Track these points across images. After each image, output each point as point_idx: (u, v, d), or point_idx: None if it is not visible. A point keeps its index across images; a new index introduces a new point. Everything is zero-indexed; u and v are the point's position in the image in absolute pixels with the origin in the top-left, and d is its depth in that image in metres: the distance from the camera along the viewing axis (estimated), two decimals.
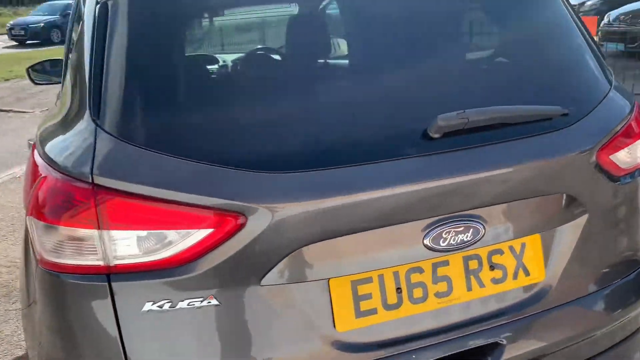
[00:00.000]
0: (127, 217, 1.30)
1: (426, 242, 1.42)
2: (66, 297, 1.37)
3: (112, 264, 1.32)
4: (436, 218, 1.42)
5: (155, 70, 1.42)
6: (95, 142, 1.33)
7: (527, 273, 1.57)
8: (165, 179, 1.30)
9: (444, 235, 1.42)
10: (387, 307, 1.45)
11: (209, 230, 1.30)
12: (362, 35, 1.59)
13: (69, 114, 1.53)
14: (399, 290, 1.45)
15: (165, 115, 1.38)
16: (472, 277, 1.52)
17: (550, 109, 1.52)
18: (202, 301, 1.33)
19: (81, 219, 1.30)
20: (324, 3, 1.59)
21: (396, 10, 1.60)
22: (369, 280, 1.43)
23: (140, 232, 1.31)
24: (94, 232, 1.31)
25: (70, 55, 1.86)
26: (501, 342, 1.54)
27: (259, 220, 1.30)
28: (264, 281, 1.35)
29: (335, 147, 1.38)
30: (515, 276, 1.56)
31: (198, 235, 1.30)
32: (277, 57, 1.52)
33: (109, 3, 1.45)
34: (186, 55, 1.48)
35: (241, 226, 1.30)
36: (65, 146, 1.41)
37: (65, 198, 1.31)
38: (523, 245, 1.56)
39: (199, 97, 1.43)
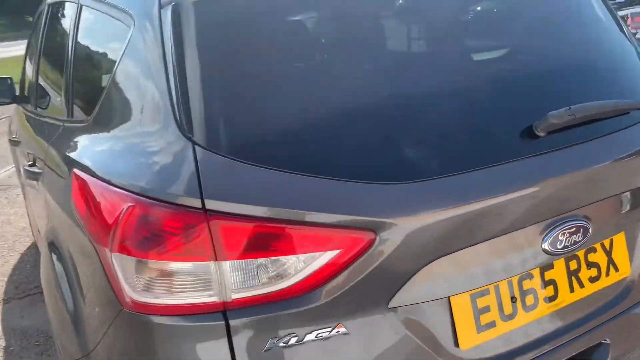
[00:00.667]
0: (245, 244, 1.14)
1: (545, 246, 1.36)
2: (170, 341, 1.18)
3: (229, 299, 1.15)
4: (552, 220, 1.37)
5: (261, 79, 1.27)
6: (196, 162, 1.16)
7: (616, 269, 1.55)
8: (283, 198, 1.15)
9: (559, 238, 1.37)
10: (504, 318, 1.37)
11: (336, 252, 1.17)
12: (468, 48, 1.52)
13: (131, 131, 1.34)
14: (513, 299, 1.38)
15: (277, 128, 1.23)
16: (573, 277, 1.47)
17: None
18: (330, 331, 1.19)
19: (193, 250, 1.13)
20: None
21: (499, 24, 1.58)
22: (486, 292, 1.35)
23: (260, 259, 1.15)
24: (208, 264, 1.13)
25: (88, 66, 1.66)
26: (605, 342, 1.51)
27: (389, 236, 1.18)
28: (391, 303, 1.23)
29: (454, 153, 1.28)
30: (607, 273, 1.53)
31: (324, 258, 1.16)
32: (389, 65, 1.41)
33: (182, 7, 1.29)
34: (289, 62, 1.33)
35: (370, 244, 1.17)
36: (150, 168, 1.22)
37: (171, 229, 1.13)
38: (612, 241, 1.54)
39: (315, 107, 1.28)
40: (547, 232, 1.36)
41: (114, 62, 1.49)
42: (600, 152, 1.44)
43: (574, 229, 1.39)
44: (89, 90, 1.77)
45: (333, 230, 1.16)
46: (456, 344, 1.31)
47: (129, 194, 1.19)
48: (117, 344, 1.27)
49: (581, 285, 1.48)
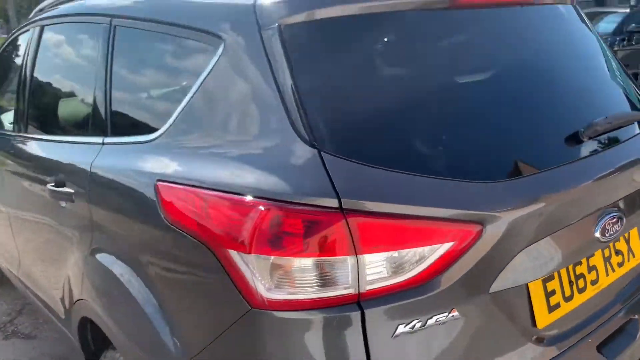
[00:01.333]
0: (378, 239, 1.25)
1: (597, 235, 1.58)
2: (306, 334, 1.26)
3: (363, 291, 1.25)
4: (601, 211, 1.59)
5: (374, 93, 1.40)
6: (325, 167, 1.26)
7: (633, 255, 1.81)
8: (406, 196, 1.28)
9: (607, 227, 1.60)
10: (566, 299, 1.57)
11: (451, 244, 1.31)
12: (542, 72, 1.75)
13: (241, 144, 1.40)
14: (571, 283, 1.59)
15: (399, 134, 1.37)
16: (607, 263, 1.71)
17: None
18: (447, 315, 1.32)
19: (332, 246, 1.23)
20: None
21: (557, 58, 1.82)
22: (552, 277, 1.54)
23: (390, 253, 1.27)
24: (346, 259, 1.24)
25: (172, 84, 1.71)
26: (634, 318, 1.76)
27: (493, 228, 1.34)
28: (491, 289, 1.39)
29: (536, 156, 1.49)
30: (628, 259, 1.79)
31: (442, 249, 1.30)
32: (493, 87, 1.62)
33: (285, 28, 1.39)
34: (399, 75, 1.47)
35: (478, 236, 1.33)
36: (279, 175, 1.30)
37: (310, 228, 1.22)
38: (629, 232, 1.80)
39: (432, 117, 1.44)
40: (598, 222, 1.58)
41: (192, 79, 1.55)
42: (630, 152, 1.70)
43: (616, 219, 1.62)
44: (148, 107, 1.80)
45: (449, 224, 1.30)
46: (534, 323, 1.49)
47: (262, 200, 1.27)
48: (239, 343, 1.32)
49: (612, 270, 1.72)
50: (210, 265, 1.34)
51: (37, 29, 2.55)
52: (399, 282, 1.28)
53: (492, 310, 1.41)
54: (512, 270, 1.42)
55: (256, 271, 1.26)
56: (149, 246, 1.57)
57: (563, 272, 1.57)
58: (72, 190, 1.92)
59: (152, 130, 1.66)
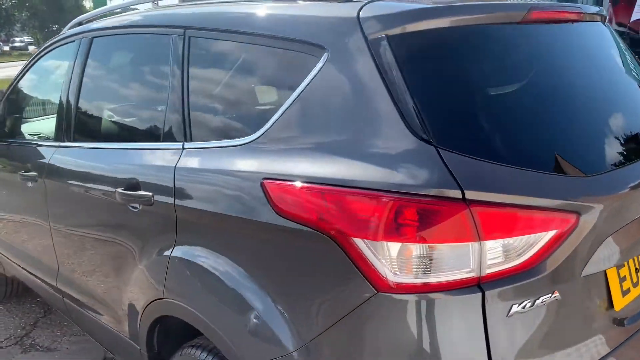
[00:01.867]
0: (497, 227, 1.38)
1: None
2: (430, 315, 1.38)
3: (483, 274, 1.38)
4: None
5: (483, 97, 1.55)
6: (443, 161, 1.39)
7: None
8: (518, 187, 1.42)
9: None
10: (634, 285, 1.73)
11: (555, 231, 1.45)
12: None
13: (354, 143, 1.50)
14: (637, 270, 1.75)
15: (504, 132, 1.52)
16: None
17: None
18: (550, 296, 1.46)
19: (459, 234, 1.35)
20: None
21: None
22: (623, 265, 1.70)
23: (506, 239, 1.40)
24: (469, 245, 1.36)
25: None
26: None
27: (587, 218, 1.49)
28: (583, 272, 1.53)
29: (619, 152, 1.70)
30: None
31: (548, 236, 1.44)
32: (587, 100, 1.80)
33: (391, 38, 1.52)
34: (506, 81, 1.64)
35: (576, 224, 1.48)
36: (402, 170, 1.41)
37: (440, 217, 1.35)
38: None
39: (538, 119, 1.60)
40: None
41: (290, 85, 1.65)
42: None
43: None
44: (237, 113, 1.90)
45: (553, 213, 1.45)
46: (612, 306, 1.64)
47: (390, 193, 1.38)
48: (362, 325, 1.43)
49: None
50: (330, 252, 1.44)
51: (85, 41, 2.60)
52: (513, 266, 1.41)
53: (582, 293, 1.56)
54: (597, 257, 1.57)
55: (384, 257, 1.37)
56: (253, 238, 1.65)
57: (631, 261, 1.73)
58: (150, 193, 1.99)
59: (244, 134, 1.75)
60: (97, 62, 2.56)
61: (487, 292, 1.38)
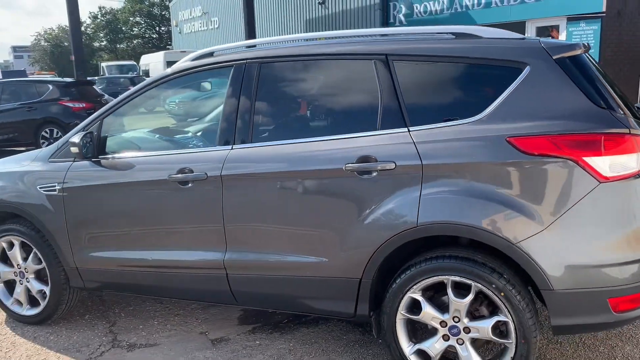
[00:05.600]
0: None
1: None
2: (627, 191, 2.63)
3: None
4: None
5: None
6: (615, 117, 2.64)
7: None
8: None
9: None
10: None
11: None
12: None
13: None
14: None
15: None
16: None
17: None
18: None
19: (631, 149, 2.62)
20: None
21: None
22: None
23: None
24: (637, 155, 2.62)
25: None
26: None
27: None
28: None
29: None
30: None
31: None
32: None
33: (560, 57, 2.75)
34: None
35: None
36: (597, 122, 2.63)
37: (623, 141, 2.60)
38: None
39: None
40: None
41: (502, 86, 2.79)
42: None
43: None
44: (457, 102, 2.97)
45: None
46: None
47: (596, 132, 2.61)
48: (590, 208, 2.61)
49: None
50: (569, 166, 2.59)
51: (255, 66, 3.33)
52: None
53: None
54: None
55: (603, 163, 2.58)
56: (490, 173, 2.69)
57: None
58: (393, 161, 2.87)
59: (467, 116, 2.81)
60: (270, 82, 3.34)
61: None
